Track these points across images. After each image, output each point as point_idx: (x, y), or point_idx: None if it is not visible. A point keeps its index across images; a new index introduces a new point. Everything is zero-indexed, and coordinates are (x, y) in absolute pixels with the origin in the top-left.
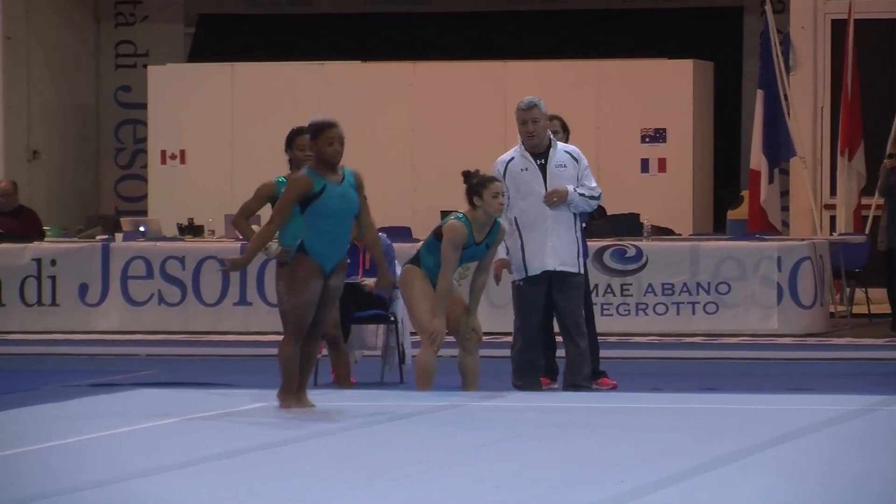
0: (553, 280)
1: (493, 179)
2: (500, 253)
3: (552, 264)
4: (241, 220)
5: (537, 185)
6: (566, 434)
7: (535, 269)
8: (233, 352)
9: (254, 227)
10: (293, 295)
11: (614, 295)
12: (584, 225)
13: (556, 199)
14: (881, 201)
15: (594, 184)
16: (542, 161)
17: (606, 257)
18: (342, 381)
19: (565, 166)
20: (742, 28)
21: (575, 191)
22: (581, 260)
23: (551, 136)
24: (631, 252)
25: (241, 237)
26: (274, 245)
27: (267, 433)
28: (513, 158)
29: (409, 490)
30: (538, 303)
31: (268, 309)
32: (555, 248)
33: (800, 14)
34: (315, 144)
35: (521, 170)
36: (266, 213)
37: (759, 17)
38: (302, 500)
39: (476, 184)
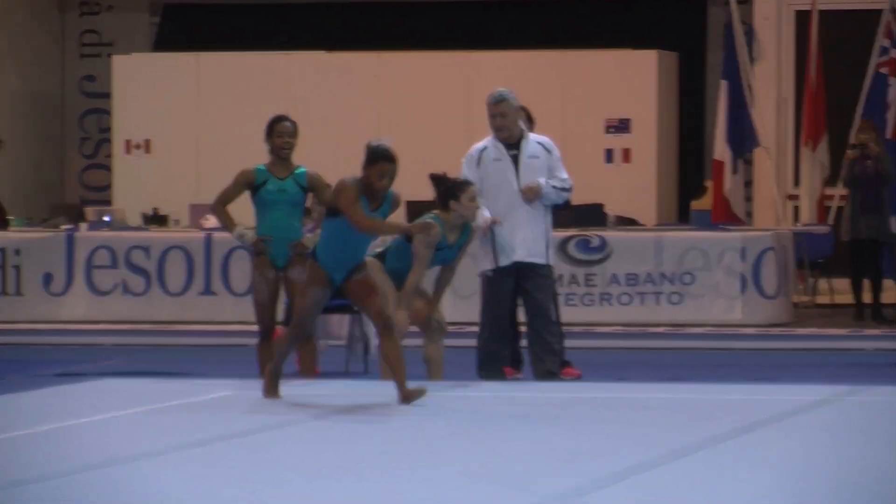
0: (521, 271)
1: (468, 183)
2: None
3: (521, 255)
4: (220, 207)
5: (509, 177)
6: (531, 424)
7: (504, 260)
8: (198, 341)
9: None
10: (299, 296)
11: (578, 285)
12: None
13: (531, 197)
14: (845, 192)
15: (566, 175)
16: (515, 152)
17: (570, 247)
18: (308, 371)
19: (538, 157)
20: (706, 19)
21: (548, 184)
22: (550, 251)
23: (523, 128)
24: (595, 242)
25: (207, 223)
26: (250, 233)
27: (233, 423)
28: (486, 147)
29: (374, 480)
30: (507, 294)
31: (233, 299)
32: (525, 239)
33: (764, 5)
34: (366, 169)
35: (494, 160)
36: (244, 201)
37: (724, 7)
38: (269, 489)
39: (452, 187)
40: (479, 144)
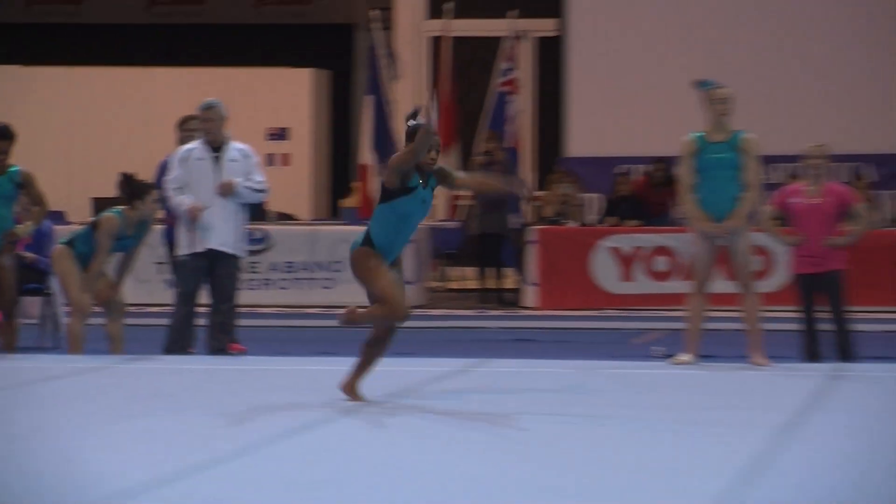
0: (214, 257)
1: (153, 186)
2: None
3: (215, 244)
4: None
5: (209, 175)
6: (200, 393)
7: (200, 246)
8: None
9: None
10: (378, 282)
11: (244, 272)
12: None
13: (225, 192)
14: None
15: (261, 178)
16: (217, 154)
17: None
18: (9, 347)
19: (237, 161)
20: (354, 42)
21: (242, 184)
22: (241, 244)
23: (227, 135)
24: (258, 235)
25: None
26: None
27: None
28: (194, 149)
29: (48, 446)
30: (199, 276)
31: None
32: (219, 230)
33: (403, 31)
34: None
35: (198, 159)
36: None
37: (369, 33)
38: None
39: (138, 189)
40: (191, 145)
